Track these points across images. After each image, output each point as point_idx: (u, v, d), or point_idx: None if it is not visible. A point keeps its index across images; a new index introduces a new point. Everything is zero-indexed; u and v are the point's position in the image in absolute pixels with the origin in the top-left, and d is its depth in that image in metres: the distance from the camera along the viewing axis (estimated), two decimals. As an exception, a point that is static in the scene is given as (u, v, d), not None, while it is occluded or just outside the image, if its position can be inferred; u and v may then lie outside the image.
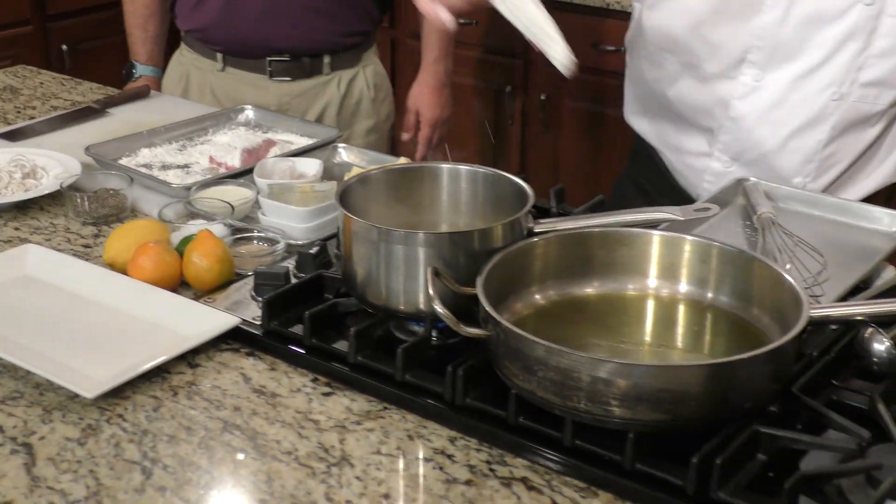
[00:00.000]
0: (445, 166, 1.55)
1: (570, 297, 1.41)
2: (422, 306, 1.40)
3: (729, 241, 1.61)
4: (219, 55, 2.53)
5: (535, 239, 1.40)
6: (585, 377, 1.17)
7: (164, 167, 2.03)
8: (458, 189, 1.54)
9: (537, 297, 1.40)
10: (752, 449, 1.21)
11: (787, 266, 1.47)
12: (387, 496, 1.20)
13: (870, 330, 1.32)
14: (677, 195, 1.95)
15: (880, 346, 1.31)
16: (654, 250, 1.42)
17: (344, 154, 2.09)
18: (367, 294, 1.43)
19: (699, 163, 1.91)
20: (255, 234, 1.72)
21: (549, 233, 1.43)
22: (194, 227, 1.71)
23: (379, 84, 2.61)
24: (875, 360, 1.31)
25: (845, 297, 1.49)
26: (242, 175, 1.94)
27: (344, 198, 1.46)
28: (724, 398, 1.19)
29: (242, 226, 1.76)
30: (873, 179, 1.84)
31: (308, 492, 1.21)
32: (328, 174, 1.98)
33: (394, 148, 2.76)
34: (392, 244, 1.38)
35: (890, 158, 1.84)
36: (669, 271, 1.42)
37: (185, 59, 2.61)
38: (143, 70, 2.65)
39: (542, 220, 1.46)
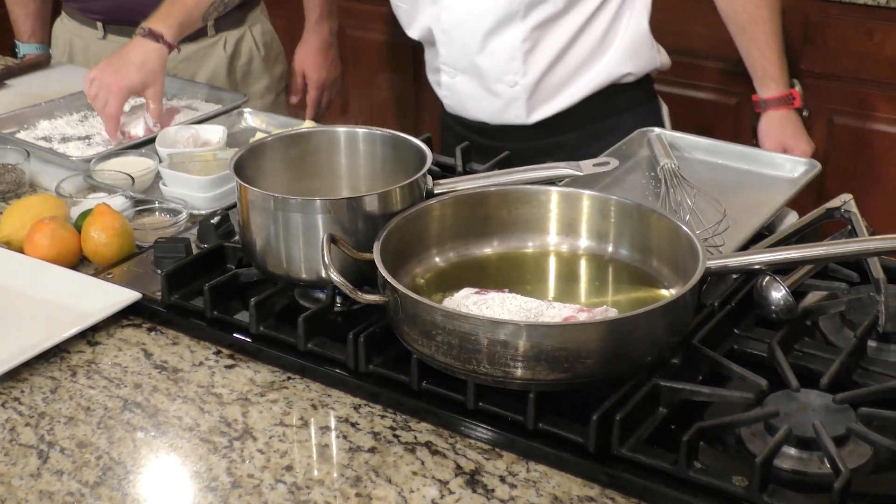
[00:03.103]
0: (342, 129, 1.52)
1: (471, 258, 1.41)
2: (323, 274, 1.38)
3: (633, 195, 1.63)
4: (99, 23, 2.46)
5: (433, 201, 1.38)
6: (483, 339, 1.16)
7: (65, 139, 1.98)
8: (356, 152, 1.52)
9: (437, 259, 1.39)
10: (653, 403, 1.21)
11: (687, 217, 1.48)
12: (289, 468, 1.19)
13: (767, 278, 1.32)
14: None
15: (777, 293, 1.31)
16: (554, 207, 1.41)
17: (250, 119, 2.06)
18: (268, 264, 1.41)
19: (436, 77, 2.09)
20: (157, 205, 1.69)
21: (449, 193, 1.42)
22: (93, 200, 1.68)
23: (268, 43, 2.54)
24: (773, 307, 1.32)
25: (747, 245, 1.50)
26: (144, 145, 1.90)
27: (239, 167, 1.43)
28: (624, 354, 1.19)
29: (143, 197, 1.72)
30: (600, 74, 1.97)
31: (210, 467, 1.19)
32: (234, 141, 1.95)
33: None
34: (289, 212, 1.36)
35: (615, 51, 1.97)
36: (569, 227, 1.42)
37: (65, 27, 2.53)
38: (26, 49, 2.56)
39: (440, 181, 1.45)
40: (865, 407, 1.18)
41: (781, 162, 1.69)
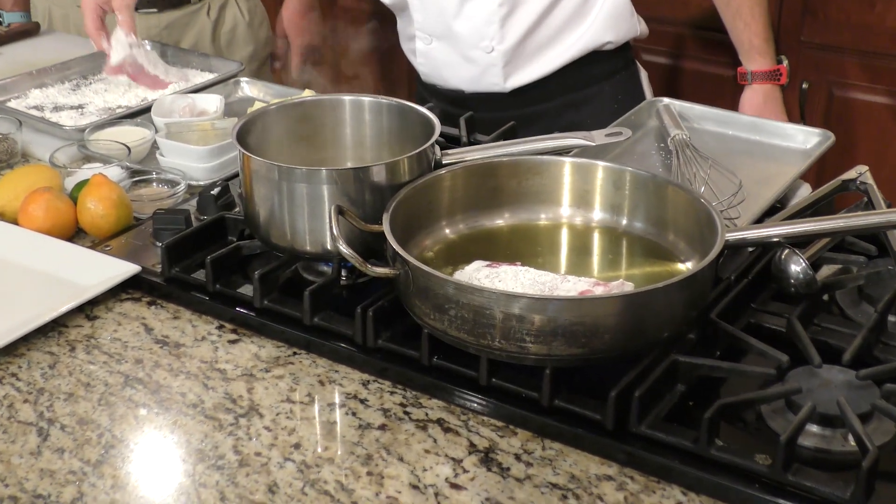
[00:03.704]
0: (347, 98, 1.48)
1: (481, 230, 1.37)
2: (329, 246, 1.34)
3: (644, 166, 1.59)
4: None
5: (443, 171, 1.34)
6: (498, 314, 1.12)
7: (57, 108, 1.93)
8: (361, 122, 1.48)
9: (447, 231, 1.35)
10: (672, 379, 1.18)
11: (702, 189, 1.44)
12: (297, 446, 1.15)
13: (786, 251, 1.29)
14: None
15: (797, 266, 1.28)
16: (567, 178, 1.38)
17: (247, 88, 2.02)
18: (272, 236, 1.37)
19: (410, 45, 2.06)
20: (154, 175, 1.65)
21: (458, 164, 1.38)
22: (89, 171, 1.64)
23: (252, 8, 2.47)
24: (792, 281, 1.29)
25: (761, 217, 1.46)
26: (140, 114, 1.85)
27: (242, 136, 1.39)
28: (641, 329, 1.15)
29: (140, 168, 1.68)
30: (579, 42, 1.92)
31: (215, 445, 1.16)
32: (231, 110, 1.91)
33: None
34: (294, 183, 1.32)
35: (595, 18, 1.93)
36: (582, 199, 1.38)
37: None
38: (10, 17, 2.49)
39: (449, 151, 1.41)
40: (889, 383, 1.15)
41: (793, 133, 1.66)
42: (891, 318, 1.30)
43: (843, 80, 2.72)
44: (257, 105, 1.82)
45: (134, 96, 1.96)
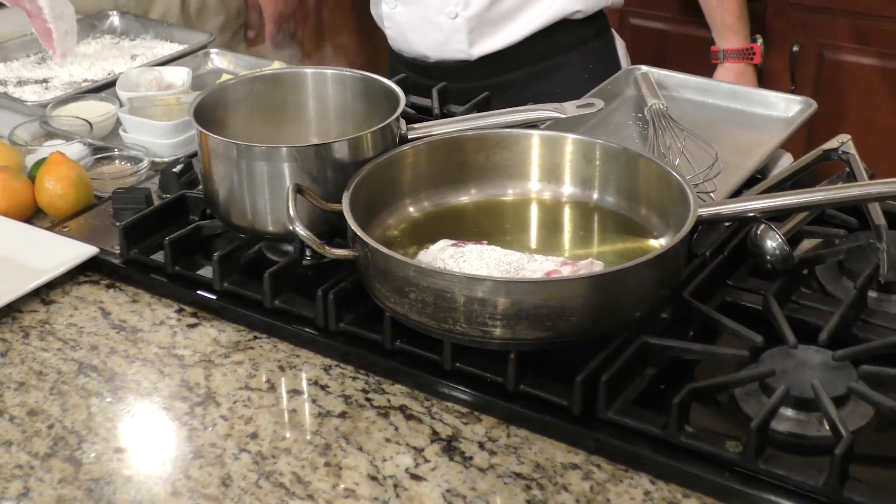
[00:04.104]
0: (310, 71, 1.43)
1: (447, 207, 1.32)
2: (289, 227, 1.30)
3: (619, 137, 1.54)
4: None
5: (407, 147, 1.30)
6: (459, 297, 1.08)
7: (21, 83, 1.88)
8: (325, 95, 1.43)
9: (411, 209, 1.31)
10: (642, 362, 1.14)
11: (677, 162, 1.39)
12: (254, 436, 1.11)
13: (762, 226, 1.25)
14: None
15: (773, 242, 1.24)
16: (535, 152, 1.33)
17: (217, 60, 1.97)
18: (232, 216, 1.32)
19: (377, 10, 2.02)
20: (116, 153, 1.60)
21: (424, 138, 1.33)
22: (48, 148, 1.59)
23: None
24: (768, 257, 1.24)
25: (740, 190, 1.42)
26: (104, 89, 1.80)
27: (200, 112, 1.34)
28: (610, 310, 1.11)
29: (103, 144, 1.63)
30: (546, 11, 1.88)
31: (169, 436, 1.12)
32: (199, 83, 1.86)
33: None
34: (253, 161, 1.27)
35: None
36: (552, 173, 1.33)
37: None
38: None
39: (415, 125, 1.36)
40: (866, 364, 1.11)
41: (775, 101, 1.61)
42: (871, 294, 1.26)
43: (833, 43, 2.66)
44: (225, 78, 1.78)
45: (100, 70, 1.91)
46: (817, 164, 1.44)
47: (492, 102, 1.84)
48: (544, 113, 1.36)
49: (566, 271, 1.16)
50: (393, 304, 1.14)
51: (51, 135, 1.68)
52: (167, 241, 1.33)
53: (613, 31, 2.02)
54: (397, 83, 1.68)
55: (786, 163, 1.54)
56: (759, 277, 1.28)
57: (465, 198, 1.33)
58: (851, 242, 1.32)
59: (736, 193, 1.41)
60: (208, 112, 1.36)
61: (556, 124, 1.41)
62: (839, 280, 1.30)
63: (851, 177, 1.40)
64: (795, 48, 2.68)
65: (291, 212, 1.17)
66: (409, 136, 1.34)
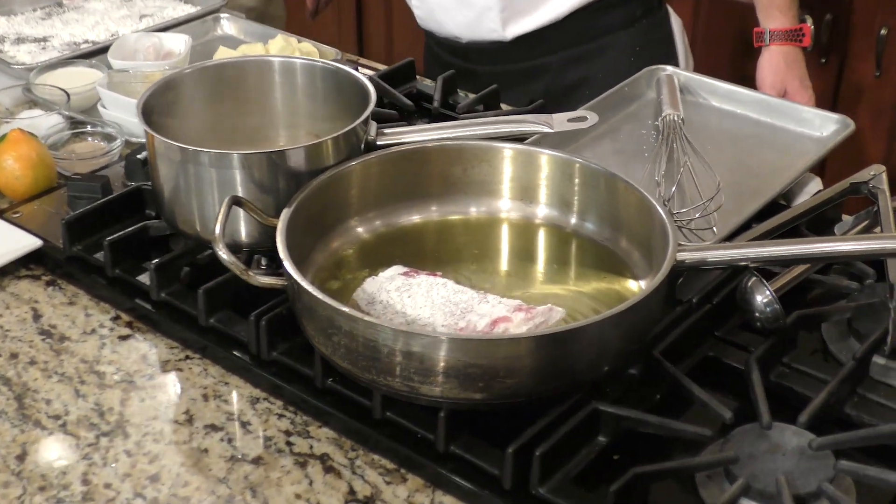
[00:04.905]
0: (277, 60, 1.31)
1: (400, 228, 1.19)
2: (244, 237, 1.19)
3: (628, 148, 1.40)
4: None
5: (353, 163, 1.16)
6: (382, 348, 0.96)
7: (19, 40, 1.79)
8: (293, 87, 1.31)
9: (360, 230, 1.18)
10: (591, 430, 1.01)
11: (672, 189, 1.24)
12: (155, 478, 1.01)
13: (753, 279, 1.09)
14: None
15: (762, 298, 1.09)
16: (507, 167, 1.19)
17: (226, 26, 1.85)
18: (178, 221, 1.21)
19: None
20: (89, 129, 1.50)
21: (382, 150, 1.20)
22: (27, 119, 1.50)
23: None
24: (757, 314, 1.09)
25: (762, 215, 1.25)
26: (97, 54, 1.70)
27: (152, 105, 1.23)
28: (557, 372, 0.98)
29: (81, 118, 1.53)
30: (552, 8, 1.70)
31: (64, 471, 1.02)
32: (207, 51, 1.74)
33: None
34: (201, 166, 1.15)
35: None
36: (526, 192, 1.19)
37: None
38: None
39: (386, 130, 1.23)
40: (845, 460, 0.96)
41: (810, 117, 1.44)
42: (877, 360, 1.10)
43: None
44: (221, 52, 1.66)
45: (104, 30, 1.81)
46: (844, 197, 1.28)
47: (528, 87, 1.71)
48: (530, 126, 1.22)
49: (517, 318, 1.03)
50: (319, 344, 1.03)
51: (34, 102, 1.59)
52: (107, 241, 1.22)
53: (669, 7, 1.84)
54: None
55: (813, 188, 1.37)
56: (752, 331, 1.13)
57: (430, 216, 1.20)
58: (864, 298, 1.16)
59: (757, 219, 1.25)
60: (162, 104, 1.25)
61: (545, 138, 1.27)
62: (846, 339, 1.14)
63: (877, 217, 1.23)
64: (883, 31, 2.46)
65: (218, 229, 1.05)
66: (378, 143, 1.21)
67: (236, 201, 1.11)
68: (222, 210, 1.08)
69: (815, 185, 1.38)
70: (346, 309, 0.96)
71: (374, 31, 3.27)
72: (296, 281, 1.00)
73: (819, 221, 1.28)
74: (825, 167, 2.48)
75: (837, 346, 1.14)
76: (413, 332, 0.95)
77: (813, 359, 1.11)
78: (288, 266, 1.02)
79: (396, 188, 1.18)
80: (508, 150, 1.18)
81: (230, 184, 1.16)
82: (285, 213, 1.09)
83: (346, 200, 1.16)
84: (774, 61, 1.74)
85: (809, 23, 1.75)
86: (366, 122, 1.20)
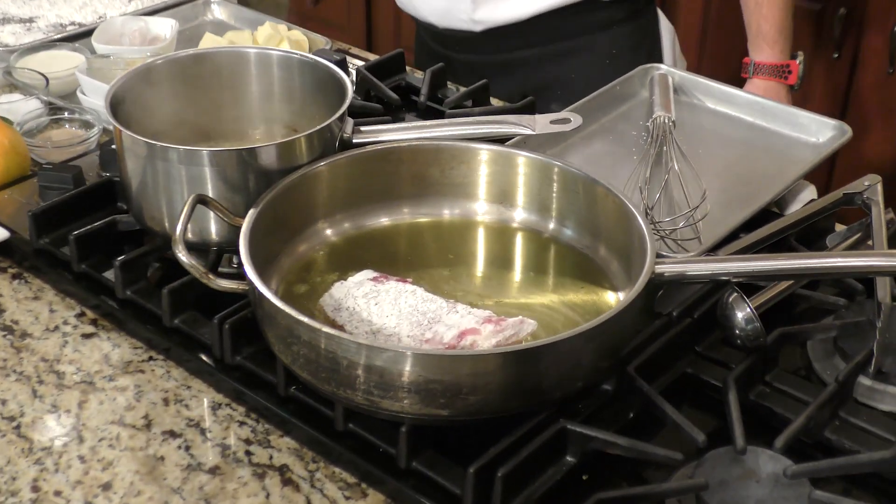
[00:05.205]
0: (253, 51, 1.27)
1: (368, 231, 1.15)
2: (214, 235, 1.15)
3: (618, 149, 1.36)
4: None
5: (323, 163, 1.12)
6: (341, 360, 0.92)
7: (5, 20, 1.75)
8: (270, 80, 1.27)
9: (328, 232, 1.14)
10: (558, 450, 0.97)
11: (657, 196, 1.19)
12: (107, 486, 0.98)
13: (734, 295, 1.05)
14: None
15: (742, 314, 1.04)
16: (483, 169, 1.15)
17: (217, 11, 1.81)
18: (145, 217, 1.18)
19: None
20: (66, 115, 1.46)
21: (369, 145, 1.16)
22: (5, 105, 1.46)
23: None
24: (737, 332, 1.05)
25: (752, 224, 1.21)
26: (82, 38, 1.66)
27: (122, 96, 1.19)
28: (524, 390, 0.94)
29: (59, 104, 1.49)
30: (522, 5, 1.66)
31: (13, 476, 0.99)
32: (195, 35, 1.71)
33: None
34: (169, 163, 1.12)
35: None
36: (504, 195, 1.16)
37: None
38: None
39: (363, 128, 1.19)
40: (820, 490, 0.92)
41: (806, 122, 1.39)
42: (863, 381, 1.06)
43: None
44: (207, 39, 1.62)
45: (91, 12, 1.77)
46: (837, 208, 1.23)
47: (501, 81, 1.66)
48: (511, 128, 1.18)
49: (486, 331, 0.99)
50: (279, 352, 0.99)
51: (14, 86, 1.56)
52: (73, 236, 1.19)
53: (660, 13, 1.79)
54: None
55: (806, 196, 1.33)
56: (734, 346, 1.09)
57: (403, 218, 1.16)
58: (852, 315, 1.11)
59: (745, 229, 1.21)
60: (138, 93, 1.21)
61: (528, 140, 1.23)
62: (831, 358, 1.10)
63: (869, 230, 1.19)
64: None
65: (179, 229, 1.02)
66: (354, 141, 1.18)
67: (201, 200, 1.07)
68: (185, 209, 1.04)
69: (809, 193, 1.34)
70: (305, 319, 0.92)
71: (383, 19, 3.23)
72: (255, 287, 0.96)
73: (810, 232, 1.24)
74: (833, 169, 2.45)
75: (822, 365, 1.10)
76: (373, 345, 0.91)
77: (795, 378, 1.07)
78: (248, 270, 0.98)
79: (369, 189, 1.14)
80: (485, 152, 1.14)
81: (199, 181, 1.12)
82: (250, 215, 1.05)
83: (315, 201, 1.13)
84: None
85: (799, 60, 1.69)
86: (341, 118, 1.17)
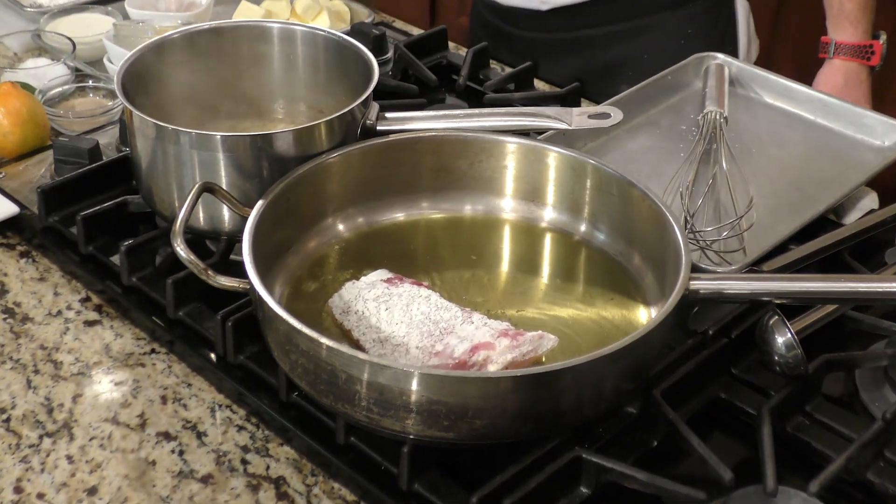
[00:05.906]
0: (276, 26, 1.19)
1: (381, 227, 1.08)
2: (226, 223, 1.09)
3: (664, 144, 1.27)
4: None
5: (335, 155, 1.05)
6: (341, 374, 0.86)
7: (41, -22, 1.70)
8: (293, 57, 1.20)
9: (340, 227, 1.07)
10: (572, 479, 0.90)
11: (699, 202, 1.11)
12: (93, 491, 0.93)
13: (774, 318, 0.96)
14: None
15: (782, 340, 0.96)
16: (511, 163, 1.07)
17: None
18: (155, 201, 1.12)
19: None
20: (91, 84, 1.41)
21: (391, 133, 1.09)
22: (23, 72, 1.41)
23: None
24: (776, 358, 0.97)
25: (805, 235, 1.12)
26: (117, 0, 1.60)
27: (136, 71, 1.13)
28: (538, 415, 0.86)
29: (85, 72, 1.44)
30: None
31: (-3, 476, 0.94)
32: (234, 4, 1.63)
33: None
34: (180, 146, 1.05)
35: None
36: (534, 192, 1.08)
37: None
38: None
39: (389, 115, 1.12)
40: (856, 544, 0.84)
41: (872, 123, 1.29)
42: (915, 417, 0.97)
43: None
44: (243, 7, 1.55)
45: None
46: (900, 219, 1.14)
47: (566, 60, 1.58)
48: (546, 121, 1.09)
49: (501, 345, 0.92)
50: (279, 359, 0.93)
51: (43, 50, 1.50)
52: (80, 216, 1.13)
53: None
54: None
55: (866, 204, 1.23)
56: (772, 371, 1.01)
57: (402, 215, 1.09)
58: (904, 344, 1.03)
59: (795, 240, 1.12)
60: (147, 73, 1.15)
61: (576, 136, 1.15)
62: (881, 388, 1.01)
63: (932, 248, 1.09)
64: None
65: (178, 222, 0.95)
66: (378, 129, 1.10)
67: (208, 188, 1.01)
68: (190, 198, 0.98)
69: (870, 201, 1.24)
70: (304, 329, 0.86)
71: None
72: (256, 290, 0.90)
73: (868, 245, 1.15)
74: None
75: (870, 396, 1.01)
76: (374, 361, 0.84)
77: (838, 410, 0.98)
78: (250, 270, 0.91)
79: (388, 180, 1.07)
80: (515, 145, 1.06)
81: (210, 166, 1.06)
82: (258, 206, 0.98)
83: (329, 192, 1.05)
84: (833, 77, 1.58)
85: (882, 40, 1.58)
86: (365, 103, 1.09)
